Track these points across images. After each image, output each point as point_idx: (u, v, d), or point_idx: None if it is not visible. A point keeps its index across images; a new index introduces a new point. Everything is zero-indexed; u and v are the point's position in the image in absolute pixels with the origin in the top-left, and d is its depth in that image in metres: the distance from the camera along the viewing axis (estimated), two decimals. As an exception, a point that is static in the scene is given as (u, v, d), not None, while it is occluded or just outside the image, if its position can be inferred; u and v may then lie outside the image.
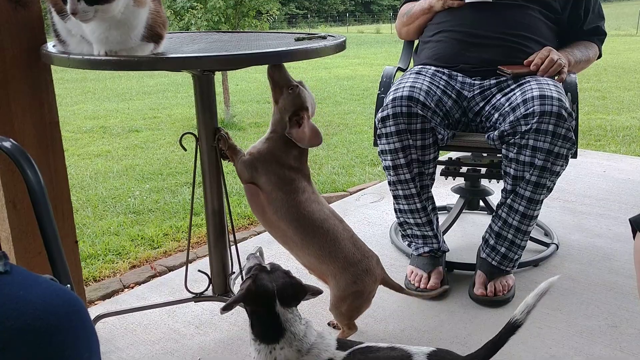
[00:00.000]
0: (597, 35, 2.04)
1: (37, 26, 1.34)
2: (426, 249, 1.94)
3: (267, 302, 1.11)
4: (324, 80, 10.03)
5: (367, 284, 1.48)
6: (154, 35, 1.21)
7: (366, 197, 2.93)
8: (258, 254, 1.22)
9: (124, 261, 2.54)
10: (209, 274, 1.65)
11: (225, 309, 1.11)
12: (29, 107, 1.36)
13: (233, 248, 1.64)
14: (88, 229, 2.98)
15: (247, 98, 8.06)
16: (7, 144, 0.91)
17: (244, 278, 1.16)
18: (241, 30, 5.91)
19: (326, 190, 3.50)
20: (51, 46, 1.34)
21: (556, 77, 1.83)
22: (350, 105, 7.28)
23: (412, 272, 1.94)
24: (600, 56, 2.07)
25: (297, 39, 1.45)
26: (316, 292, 1.17)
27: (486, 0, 1.86)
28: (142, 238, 2.82)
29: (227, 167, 1.66)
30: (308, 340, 1.12)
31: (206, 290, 1.66)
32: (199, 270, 1.67)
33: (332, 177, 3.89)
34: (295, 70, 12.20)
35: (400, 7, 2.21)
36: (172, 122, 6.29)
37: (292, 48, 1.25)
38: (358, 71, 11.30)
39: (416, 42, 2.23)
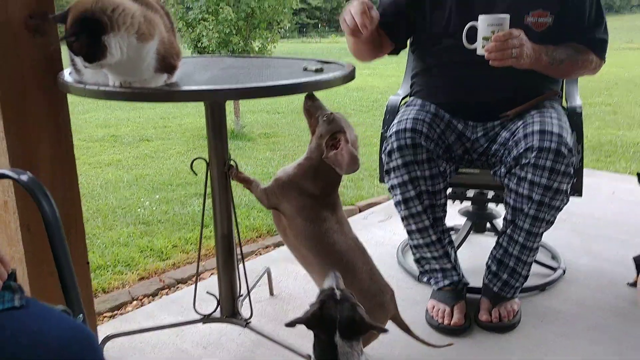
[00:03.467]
0: (594, 44, 1.86)
1: (54, 54, 1.37)
2: (446, 281, 1.90)
3: (328, 331, 1.12)
4: (334, 92, 10.02)
5: (378, 318, 1.47)
6: (167, 66, 1.24)
7: (374, 216, 2.94)
8: (337, 275, 1.23)
9: (132, 272, 2.56)
10: (217, 295, 1.67)
11: (288, 325, 1.14)
12: (46, 133, 1.38)
13: (242, 268, 1.66)
14: (98, 239, 3.01)
15: (257, 108, 8.09)
16: (24, 177, 0.93)
17: (316, 299, 1.18)
18: (250, 51, 5.93)
19: (335, 205, 3.51)
20: (67, 74, 1.37)
21: (492, 61, 1.64)
22: (360, 117, 7.29)
23: (434, 307, 1.89)
24: (603, 62, 1.89)
25: (305, 69, 1.47)
26: (380, 330, 1.16)
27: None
28: (151, 249, 2.84)
29: (237, 186, 1.67)
30: None
31: (214, 312, 1.67)
32: (207, 292, 1.69)
33: (340, 190, 3.89)
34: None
35: None
36: (183, 132, 6.33)
37: (302, 80, 1.28)
38: (368, 82, 11.30)
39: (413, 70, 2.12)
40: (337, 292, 1.16)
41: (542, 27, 1.80)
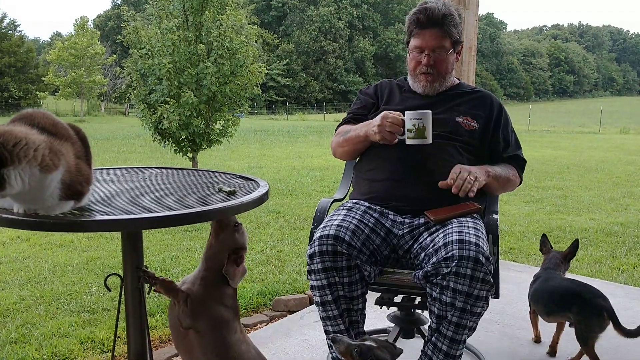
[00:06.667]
0: (517, 162, 2.12)
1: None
2: None
3: None
4: (297, 170, 10.18)
5: None
6: (73, 193, 1.25)
7: (310, 316, 2.86)
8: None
9: (69, 368, 2.47)
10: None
11: None
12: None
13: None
14: (37, 329, 2.90)
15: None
16: None
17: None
18: (211, 132, 5.94)
19: (286, 292, 3.47)
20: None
21: (469, 193, 1.85)
22: (320, 197, 7.34)
23: None
24: (521, 182, 2.14)
25: (220, 190, 1.49)
26: None
27: (426, 143, 1.89)
28: (92, 341, 2.75)
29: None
30: None
31: None
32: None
33: (293, 276, 3.87)
34: (270, 158, 12.37)
35: (339, 126, 2.24)
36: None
37: (209, 208, 1.29)
38: (331, 161, 11.48)
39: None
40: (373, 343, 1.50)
41: (469, 128, 2.05)
